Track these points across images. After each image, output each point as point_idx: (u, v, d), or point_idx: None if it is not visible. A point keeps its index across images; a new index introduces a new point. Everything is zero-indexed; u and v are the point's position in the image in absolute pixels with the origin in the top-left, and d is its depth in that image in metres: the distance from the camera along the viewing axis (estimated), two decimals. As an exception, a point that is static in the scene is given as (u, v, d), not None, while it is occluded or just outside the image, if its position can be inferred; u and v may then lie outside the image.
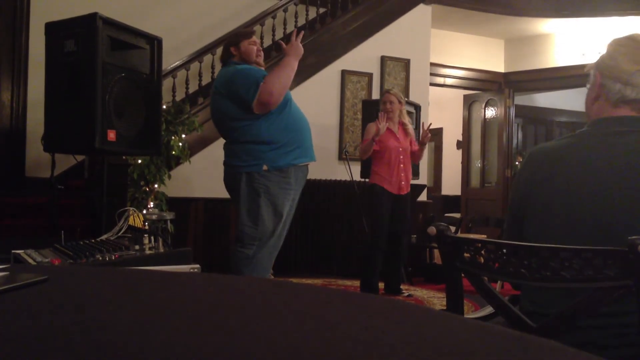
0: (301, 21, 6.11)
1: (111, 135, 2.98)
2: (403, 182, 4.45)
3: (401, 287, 4.73)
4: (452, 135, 10.27)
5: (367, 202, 4.56)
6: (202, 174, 5.19)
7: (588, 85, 1.52)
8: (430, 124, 4.43)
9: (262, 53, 3.20)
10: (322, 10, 6.39)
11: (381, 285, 4.66)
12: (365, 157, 4.54)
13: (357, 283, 4.64)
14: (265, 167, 2.90)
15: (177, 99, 5.37)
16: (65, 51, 3.00)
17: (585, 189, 1.37)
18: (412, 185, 5.34)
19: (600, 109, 1.46)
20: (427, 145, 4.67)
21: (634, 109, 1.41)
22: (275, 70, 2.95)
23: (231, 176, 3.00)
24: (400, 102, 4.49)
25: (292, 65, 2.97)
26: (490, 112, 8.71)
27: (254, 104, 2.86)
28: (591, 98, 1.50)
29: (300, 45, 2.99)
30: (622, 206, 1.31)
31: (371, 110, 5.13)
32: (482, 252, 1.32)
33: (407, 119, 4.59)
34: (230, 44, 3.14)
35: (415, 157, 4.65)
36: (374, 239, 4.42)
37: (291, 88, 3.18)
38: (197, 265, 2.16)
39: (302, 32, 3.10)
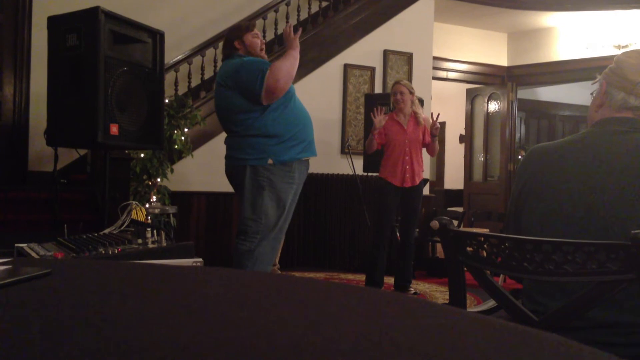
0: (303, 15, 6.09)
1: (114, 129, 2.98)
2: (408, 175, 4.33)
3: (410, 285, 4.58)
4: (454, 129, 10.25)
5: (375, 196, 4.48)
6: (205, 168, 5.19)
7: (593, 94, 1.54)
8: (439, 114, 4.30)
9: (264, 46, 3.20)
10: (324, 3, 6.37)
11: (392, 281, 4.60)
12: (369, 151, 4.49)
13: (360, 277, 4.63)
14: (270, 161, 2.90)
15: (180, 92, 5.37)
16: (68, 45, 3.00)
17: (581, 184, 1.38)
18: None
19: (603, 115, 1.49)
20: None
21: (635, 115, 1.45)
22: (280, 59, 2.97)
23: (235, 169, 2.99)
24: (411, 93, 4.41)
25: (295, 56, 3.01)
26: (493, 106, 8.68)
27: (263, 93, 2.86)
28: (595, 105, 1.54)
29: (296, 40, 3.04)
30: (617, 201, 1.32)
31: (374, 104, 5.11)
32: (485, 246, 1.32)
33: (420, 109, 4.48)
34: (233, 38, 3.12)
35: (429, 151, 4.51)
36: (376, 233, 4.38)
37: (294, 82, 3.18)
38: (200, 259, 2.16)
39: (293, 27, 3.12)
